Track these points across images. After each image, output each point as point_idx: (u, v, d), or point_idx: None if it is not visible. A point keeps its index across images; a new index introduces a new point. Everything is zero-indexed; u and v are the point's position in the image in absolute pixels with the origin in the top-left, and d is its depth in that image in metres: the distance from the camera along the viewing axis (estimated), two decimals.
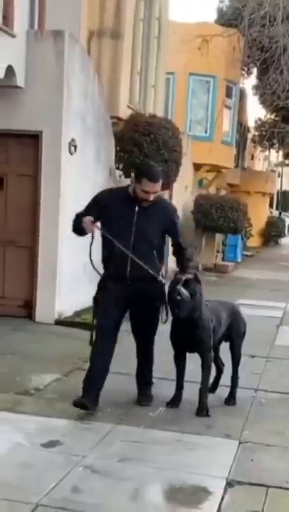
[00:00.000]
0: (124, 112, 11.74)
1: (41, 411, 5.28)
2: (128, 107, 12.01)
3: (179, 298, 5.08)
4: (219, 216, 17.26)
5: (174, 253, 5.56)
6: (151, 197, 5.23)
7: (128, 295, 5.29)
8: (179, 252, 5.53)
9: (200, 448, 4.71)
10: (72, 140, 8.90)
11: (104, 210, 5.27)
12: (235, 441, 4.84)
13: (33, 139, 8.73)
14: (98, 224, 5.30)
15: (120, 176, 11.07)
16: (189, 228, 17.79)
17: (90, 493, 3.87)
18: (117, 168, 11.00)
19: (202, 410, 5.34)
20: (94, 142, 9.81)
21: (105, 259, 5.35)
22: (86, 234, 5.27)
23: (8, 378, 6.10)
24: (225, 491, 3.99)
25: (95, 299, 5.40)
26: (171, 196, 16.10)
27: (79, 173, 9.14)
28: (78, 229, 5.34)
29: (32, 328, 8.50)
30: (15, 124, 8.66)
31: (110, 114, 10.72)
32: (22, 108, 8.61)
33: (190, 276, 5.30)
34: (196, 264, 17.60)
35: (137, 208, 5.23)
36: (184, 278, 5.23)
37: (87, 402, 5.14)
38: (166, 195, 15.61)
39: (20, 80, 8.48)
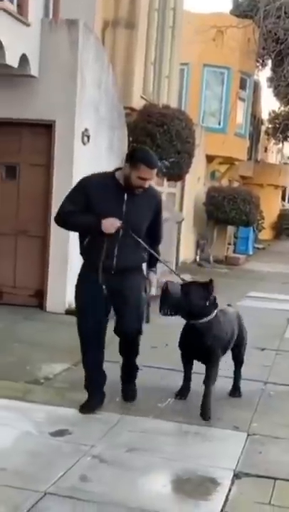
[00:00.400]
0: (138, 103, 11.71)
1: (50, 400, 5.31)
2: (141, 97, 11.97)
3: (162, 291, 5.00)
4: (231, 208, 17.23)
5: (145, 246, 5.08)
6: (147, 184, 4.90)
7: (112, 286, 4.97)
8: (153, 246, 5.14)
9: (208, 439, 4.72)
10: (86, 130, 8.89)
11: (90, 199, 4.86)
12: (244, 434, 4.85)
13: (46, 128, 8.73)
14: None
15: None
16: (201, 220, 17.80)
17: (97, 483, 3.89)
18: None
19: (204, 415, 5.10)
20: (107, 132, 9.80)
21: (87, 249, 5.03)
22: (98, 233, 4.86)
23: (18, 367, 6.14)
24: (232, 483, 4.00)
25: (77, 293, 5.18)
26: (183, 187, 16.10)
27: (92, 163, 9.12)
28: (74, 226, 5.18)
29: (42, 318, 8.54)
30: (28, 113, 8.66)
31: (124, 105, 10.69)
32: (35, 97, 8.61)
33: (190, 280, 5.25)
34: (208, 256, 17.61)
35: (125, 196, 4.87)
36: (186, 279, 5.18)
37: (94, 404, 5.12)
38: (178, 186, 15.62)
39: (34, 69, 8.48)
